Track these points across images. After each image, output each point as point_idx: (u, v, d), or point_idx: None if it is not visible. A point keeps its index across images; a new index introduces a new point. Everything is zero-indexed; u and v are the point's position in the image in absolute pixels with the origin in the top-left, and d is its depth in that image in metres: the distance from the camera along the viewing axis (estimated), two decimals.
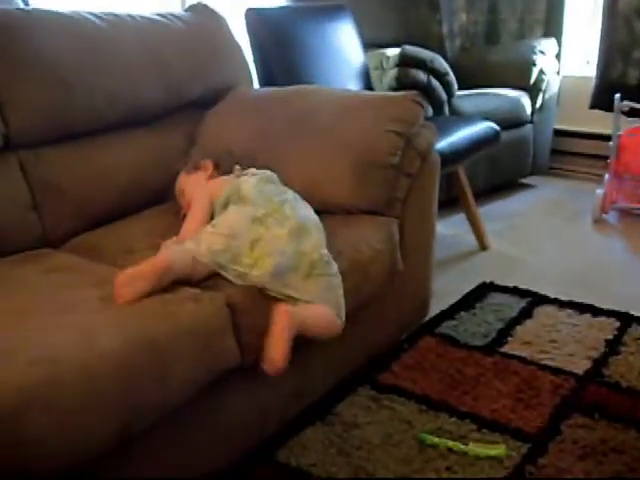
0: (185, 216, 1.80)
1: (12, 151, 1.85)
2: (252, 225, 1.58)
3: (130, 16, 2.17)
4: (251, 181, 1.76)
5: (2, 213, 1.78)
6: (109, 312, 1.38)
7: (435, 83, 3.23)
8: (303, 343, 1.67)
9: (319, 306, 1.60)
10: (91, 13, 2.06)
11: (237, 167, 1.87)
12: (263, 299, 1.54)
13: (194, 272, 1.52)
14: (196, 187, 1.86)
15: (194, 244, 1.55)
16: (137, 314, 1.38)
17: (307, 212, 1.72)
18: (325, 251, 1.64)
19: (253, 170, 1.85)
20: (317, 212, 1.92)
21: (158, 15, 2.26)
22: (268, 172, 1.85)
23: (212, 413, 1.53)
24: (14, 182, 1.83)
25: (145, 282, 1.42)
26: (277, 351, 1.47)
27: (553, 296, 2.48)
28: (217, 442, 1.57)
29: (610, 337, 2.19)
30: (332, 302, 1.62)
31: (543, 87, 3.80)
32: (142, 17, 2.20)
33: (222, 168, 1.91)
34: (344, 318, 1.65)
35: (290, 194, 1.76)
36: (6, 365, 1.16)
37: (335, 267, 1.65)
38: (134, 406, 1.28)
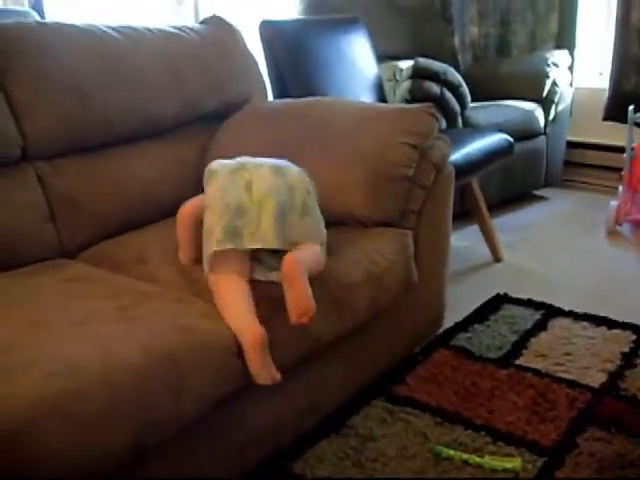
0: None
1: (29, 162, 1.87)
2: (235, 175, 1.56)
3: (146, 29, 2.18)
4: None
5: (20, 224, 1.79)
6: (126, 323, 1.38)
7: (448, 95, 3.23)
8: (318, 354, 1.68)
9: (313, 246, 1.58)
10: (108, 26, 2.08)
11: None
12: (279, 313, 1.54)
13: None
14: None
15: (209, 238, 1.54)
16: (154, 327, 1.38)
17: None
18: (307, 180, 1.65)
19: None
20: (331, 223, 1.93)
21: (174, 28, 2.28)
22: None
23: (227, 425, 1.53)
24: (31, 193, 1.85)
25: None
26: (302, 296, 1.44)
27: (567, 308, 2.47)
28: (232, 454, 1.57)
29: (626, 350, 2.17)
30: (320, 238, 1.63)
31: (556, 99, 3.80)
32: (158, 30, 2.21)
33: None
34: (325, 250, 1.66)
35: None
36: (24, 376, 1.17)
37: (315, 196, 1.67)
38: (150, 419, 1.28)
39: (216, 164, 1.66)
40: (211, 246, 1.51)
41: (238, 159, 1.68)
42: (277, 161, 1.66)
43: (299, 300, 1.44)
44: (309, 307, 1.45)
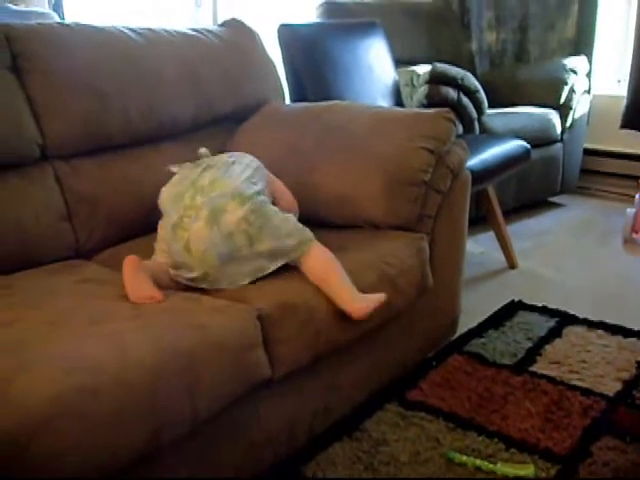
0: None
1: (48, 162, 1.89)
2: (175, 233, 1.60)
3: (165, 31, 2.20)
4: (166, 188, 1.76)
5: (37, 223, 1.80)
6: (140, 322, 1.39)
7: (465, 101, 3.23)
8: (332, 356, 1.69)
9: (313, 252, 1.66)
10: (127, 28, 2.10)
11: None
12: (293, 312, 1.55)
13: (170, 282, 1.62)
14: None
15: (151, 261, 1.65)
16: (168, 325, 1.39)
17: (223, 187, 1.65)
18: (246, 207, 1.61)
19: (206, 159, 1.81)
20: (344, 226, 1.94)
21: (193, 30, 2.29)
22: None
23: (240, 426, 1.54)
24: (49, 192, 1.86)
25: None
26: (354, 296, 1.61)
27: (582, 316, 2.46)
28: (245, 455, 1.57)
29: None
30: (299, 236, 1.66)
31: (573, 106, 3.79)
32: (177, 32, 2.23)
33: None
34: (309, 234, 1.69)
35: (216, 166, 1.73)
36: (40, 374, 1.17)
37: (268, 205, 1.68)
38: (165, 416, 1.28)
39: (164, 198, 1.73)
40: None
41: (198, 182, 1.67)
42: (222, 193, 1.62)
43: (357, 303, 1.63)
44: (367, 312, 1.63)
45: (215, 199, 1.61)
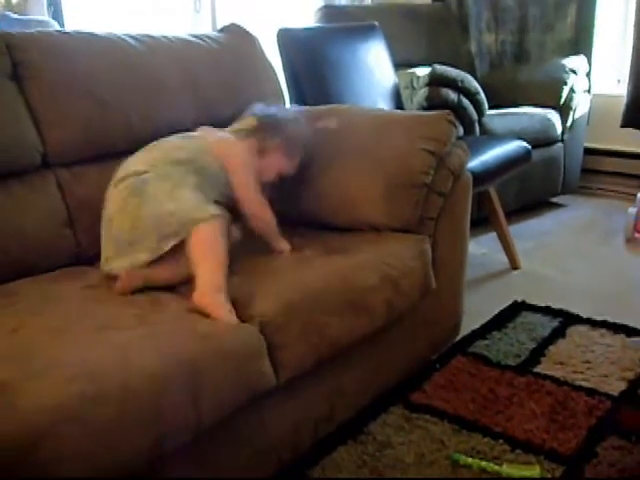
0: None
1: (49, 169, 1.89)
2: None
3: (164, 37, 2.20)
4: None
5: (40, 229, 1.81)
6: (144, 330, 1.39)
7: (466, 102, 3.23)
8: (336, 359, 1.68)
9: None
10: (127, 34, 2.10)
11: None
12: (296, 316, 1.55)
13: None
14: None
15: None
16: (171, 333, 1.39)
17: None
18: (122, 185, 1.71)
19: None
20: (348, 229, 1.93)
21: (192, 36, 2.29)
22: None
23: (244, 431, 1.53)
24: (51, 199, 1.87)
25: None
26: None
27: (585, 316, 2.46)
28: (249, 460, 1.57)
29: None
30: (188, 215, 1.63)
31: (574, 106, 3.79)
32: (176, 38, 2.23)
33: None
34: (212, 211, 1.65)
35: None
36: (45, 381, 1.18)
37: (152, 184, 1.68)
38: (168, 424, 1.28)
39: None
40: None
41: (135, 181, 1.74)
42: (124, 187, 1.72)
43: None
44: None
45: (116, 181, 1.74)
